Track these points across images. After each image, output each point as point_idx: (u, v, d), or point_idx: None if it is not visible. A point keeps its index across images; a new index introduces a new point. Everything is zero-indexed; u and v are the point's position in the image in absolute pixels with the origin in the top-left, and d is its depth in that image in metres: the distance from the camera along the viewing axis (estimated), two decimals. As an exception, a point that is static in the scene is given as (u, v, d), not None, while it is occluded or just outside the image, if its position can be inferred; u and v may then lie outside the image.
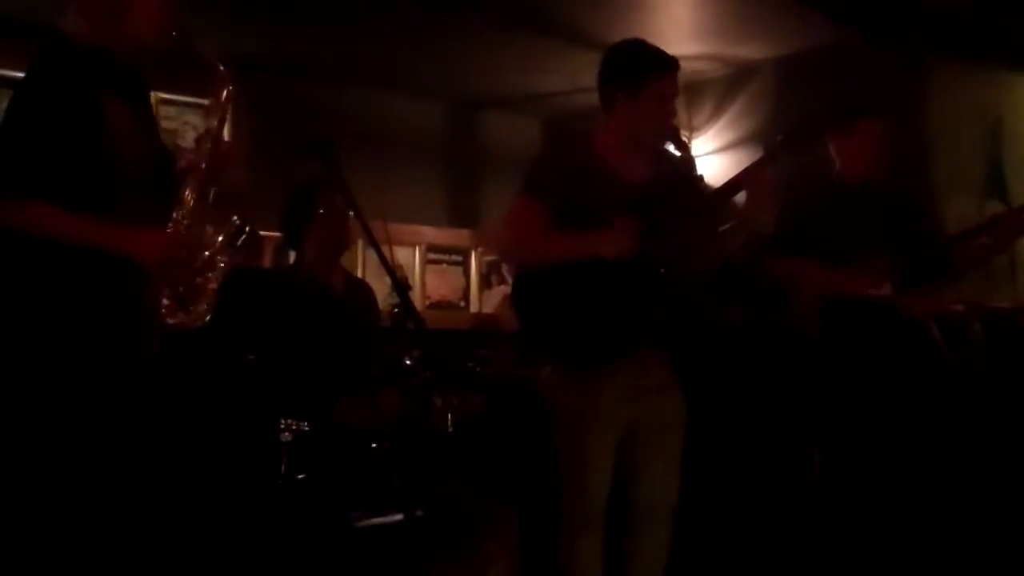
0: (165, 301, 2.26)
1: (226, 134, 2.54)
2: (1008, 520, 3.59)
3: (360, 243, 5.14)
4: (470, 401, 3.55)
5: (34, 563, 2.15)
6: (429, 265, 6.59)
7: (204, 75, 2.40)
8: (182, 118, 5.25)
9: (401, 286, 2.69)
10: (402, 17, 5.12)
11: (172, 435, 2.38)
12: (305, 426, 2.85)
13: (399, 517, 2.64)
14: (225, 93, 2.41)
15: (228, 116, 2.47)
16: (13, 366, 2.15)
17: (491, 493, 3.10)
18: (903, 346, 3.33)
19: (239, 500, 2.96)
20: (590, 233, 2.71)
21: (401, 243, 6.22)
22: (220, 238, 2.36)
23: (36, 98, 2.19)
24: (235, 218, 2.38)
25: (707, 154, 5.89)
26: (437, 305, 6.59)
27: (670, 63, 2.80)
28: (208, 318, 2.31)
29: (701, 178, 2.98)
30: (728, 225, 2.86)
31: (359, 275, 4.51)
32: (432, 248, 6.61)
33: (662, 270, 2.73)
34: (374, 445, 2.96)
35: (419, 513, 2.60)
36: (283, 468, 2.82)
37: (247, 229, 2.39)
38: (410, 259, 6.47)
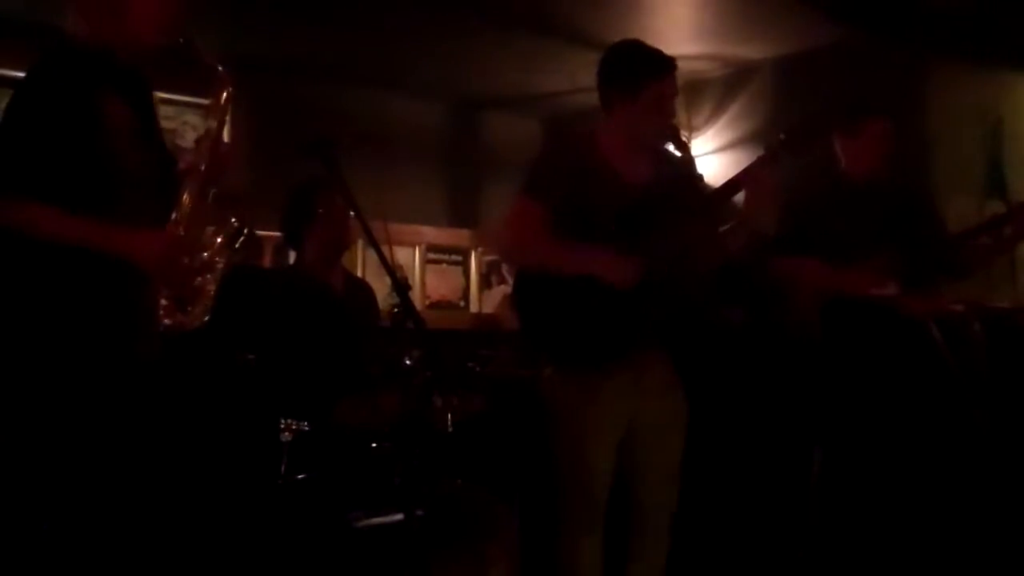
0: (163, 302, 2.26)
1: (226, 135, 2.53)
2: (1008, 520, 3.59)
3: (360, 243, 5.15)
4: (470, 401, 3.55)
5: (34, 564, 2.15)
6: (429, 265, 6.59)
7: (204, 76, 2.40)
8: (182, 118, 5.25)
9: (401, 286, 2.69)
10: (402, 17, 5.13)
11: (172, 435, 2.37)
12: (305, 426, 2.85)
13: (399, 517, 2.64)
14: (225, 95, 2.41)
15: (228, 117, 2.47)
16: (12, 367, 2.15)
17: (491, 493, 3.10)
18: (903, 346, 3.33)
19: (239, 500, 2.96)
20: (592, 253, 2.71)
21: (401, 243, 6.22)
22: (219, 239, 2.36)
23: (35, 98, 2.19)
24: (233, 220, 2.37)
25: (707, 154, 5.90)
26: (437, 305, 6.59)
27: (668, 64, 2.80)
28: (206, 319, 2.31)
29: (702, 178, 2.98)
30: (728, 225, 2.86)
31: (359, 275, 4.51)
32: (432, 248, 6.61)
33: (662, 270, 2.73)
34: (374, 445, 2.96)
35: (419, 513, 2.60)
36: (283, 468, 2.82)
37: (245, 231, 2.39)
38: (410, 259, 6.47)
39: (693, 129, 6.02)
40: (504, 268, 6.57)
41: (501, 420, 3.86)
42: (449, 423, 3.14)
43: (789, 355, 3.91)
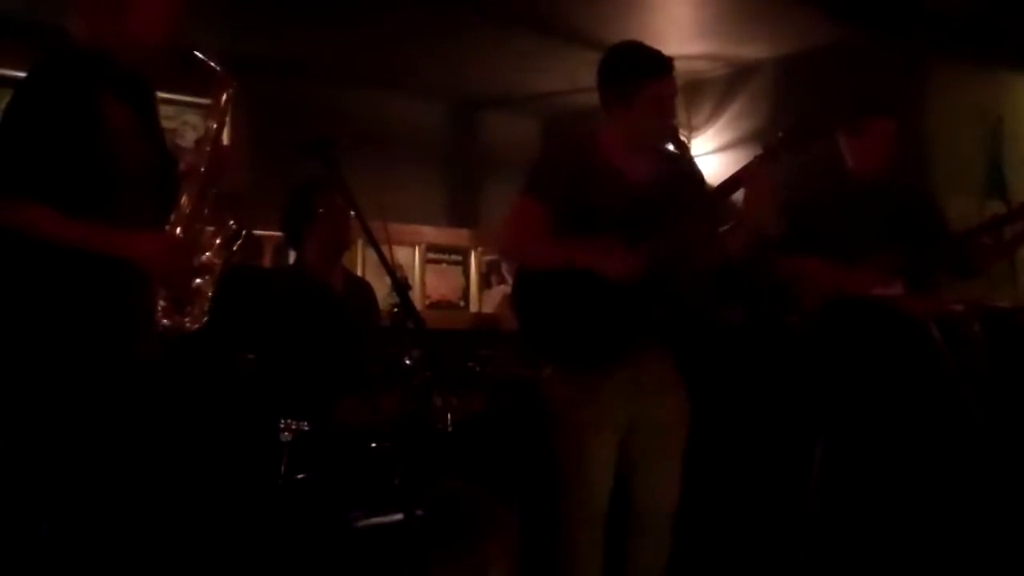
0: (161, 303, 2.26)
1: (226, 136, 2.53)
2: (1008, 520, 3.59)
3: (360, 243, 5.15)
4: (470, 401, 3.55)
5: (34, 565, 2.15)
6: (429, 265, 6.59)
7: (204, 76, 2.40)
8: (182, 118, 5.25)
9: (401, 286, 2.69)
10: (402, 17, 5.13)
11: (172, 435, 2.38)
12: (305, 426, 2.85)
13: (399, 517, 2.64)
14: (225, 96, 2.41)
15: (227, 118, 2.47)
16: (11, 368, 2.15)
17: (491, 493, 3.10)
18: (903, 346, 3.33)
19: (239, 500, 2.96)
20: (593, 249, 2.70)
21: (401, 243, 6.22)
22: (217, 240, 2.36)
23: (34, 99, 2.19)
24: (232, 222, 2.37)
25: (707, 154, 5.90)
26: (437, 305, 6.59)
27: (664, 65, 2.79)
28: (204, 320, 2.31)
29: (703, 178, 2.98)
30: (728, 225, 2.86)
31: (359, 275, 4.51)
32: (432, 248, 6.61)
33: (662, 267, 2.73)
34: (374, 445, 2.96)
35: (419, 513, 2.60)
36: (283, 468, 2.82)
37: (244, 233, 2.39)
38: (410, 259, 6.47)
39: (693, 129, 6.02)
40: (504, 268, 6.57)
41: (501, 420, 3.86)
42: (449, 423, 3.14)
43: (789, 355, 3.91)
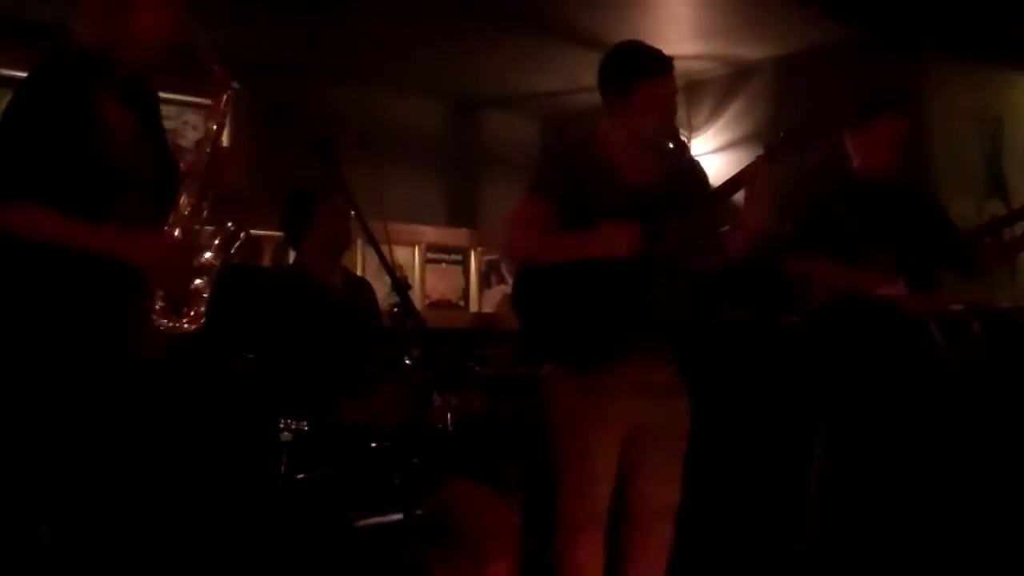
0: (159, 304, 2.26)
1: (225, 137, 2.53)
2: (1008, 520, 3.59)
3: (360, 243, 5.14)
4: (470, 400, 3.55)
5: (34, 565, 2.15)
6: (429, 264, 6.59)
7: (205, 77, 2.40)
8: (182, 118, 5.25)
9: (401, 286, 2.69)
10: (402, 17, 5.13)
11: (171, 435, 2.37)
12: (305, 426, 2.85)
13: (399, 517, 2.64)
14: (225, 97, 2.41)
15: (227, 120, 2.46)
16: (5, 368, 2.15)
17: (491, 493, 3.10)
18: (903, 346, 3.33)
19: (239, 500, 2.96)
20: (591, 233, 2.71)
21: (401, 243, 6.22)
22: (216, 241, 2.36)
23: (32, 100, 2.19)
24: (230, 224, 2.37)
25: (707, 154, 5.90)
26: (437, 305, 6.59)
27: (662, 65, 2.79)
28: (202, 322, 2.31)
29: (707, 178, 2.98)
30: (728, 226, 2.86)
31: (359, 275, 4.51)
32: (431, 247, 6.61)
33: (661, 255, 2.73)
34: (374, 445, 2.96)
35: (419, 513, 2.60)
36: (283, 468, 2.82)
37: (242, 234, 2.39)
38: (410, 259, 6.47)
39: (693, 129, 6.02)
40: (503, 268, 6.57)
41: (501, 420, 3.86)
42: (449, 423, 3.14)
43: (789, 355, 3.91)
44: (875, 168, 3.43)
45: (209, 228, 2.36)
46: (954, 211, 3.75)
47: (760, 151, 2.87)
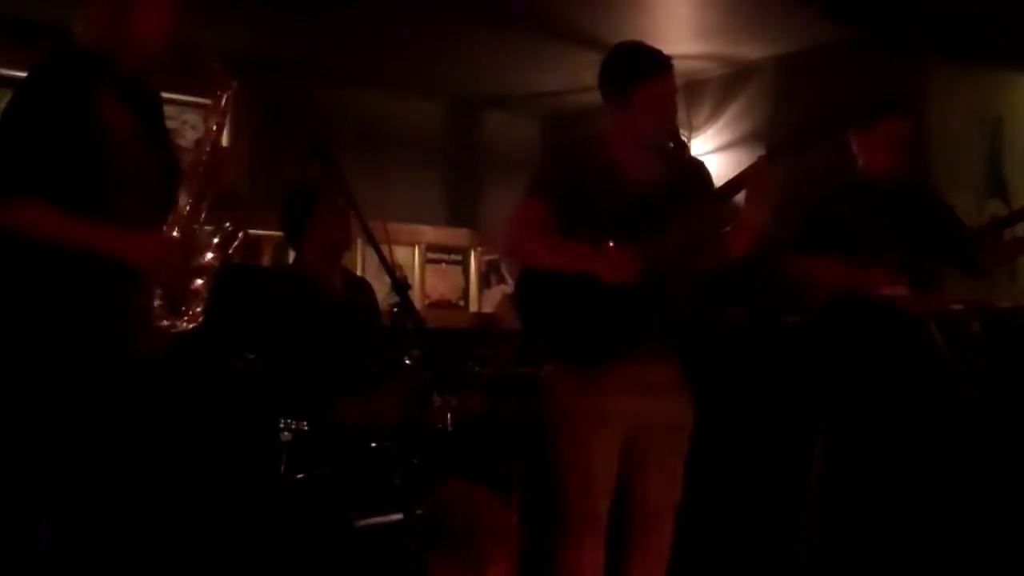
0: (158, 303, 2.26)
1: (225, 137, 2.53)
2: (1008, 520, 3.59)
3: (360, 243, 5.14)
4: (470, 400, 3.55)
5: (34, 565, 2.15)
6: (428, 264, 6.59)
7: (205, 77, 2.40)
8: (182, 118, 5.24)
9: (400, 286, 2.69)
10: (402, 17, 5.13)
11: (171, 435, 2.37)
12: (305, 426, 2.85)
13: (399, 517, 2.63)
14: (225, 97, 2.41)
15: (227, 120, 2.46)
16: (3, 368, 2.15)
17: (491, 493, 3.10)
18: (903, 346, 3.33)
19: (239, 500, 2.96)
20: (592, 252, 2.71)
21: (400, 243, 6.22)
22: (215, 240, 2.36)
23: (32, 99, 2.19)
24: (228, 224, 2.37)
25: (707, 154, 5.89)
26: (436, 304, 6.59)
27: (660, 65, 2.79)
28: (200, 321, 2.31)
29: (711, 179, 2.98)
30: (729, 227, 2.86)
31: (359, 275, 4.51)
32: (431, 247, 6.61)
33: (659, 269, 2.73)
34: (374, 445, 2.96)
35: (419, 513, 2.60)
36: (283, 468, 2.82)
37: (240, 234, 2.39)
38: (409, 259, 6.47)
39: (693, 129, 6.02)
40: (503, 268, 6.58)
41: (501, 420, 3.87)
42: (449, 423, 3.14)
43: (789, 355, 3.91)
44: (880, 168, 3.43)
45: (208, 228, 2.37)
46: (954, 211, 3.75)
47: (760, 151, 2.87)
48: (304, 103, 5.83)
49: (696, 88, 5.98)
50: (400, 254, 6.24)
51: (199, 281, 2.32)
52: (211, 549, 2.85)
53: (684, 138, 2.97)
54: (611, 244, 2.70)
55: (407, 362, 2.84)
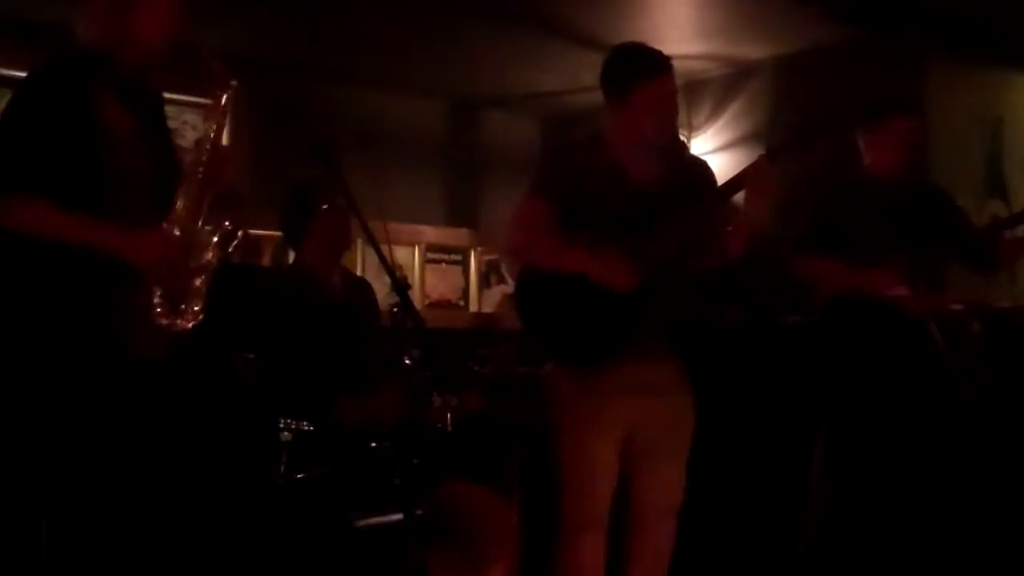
0: (158, 301, 2.26)
1: (225, 137, 2.53)
2: (1008, 520, 3.59)
3: (360, 243, 5.14)
4: (470, 400, 3.56)
5: (34, 565, 2.15)
6: (428, 264, 6.59)
7: (205, 77, 2.40)
8: (182, 118, 5.24)
9: (400, 286, 2.69)
10: (402, 17, 5.13)
11: (171, 434, 2.37)
12: (305, 426, 2.85)
13: (399, 517, 2.64)
14: (225, 97, 2.41)
15: (227, 120, 2.46)
16: (3, 366, 2.15)
17: (491, 493, 3.10)
18: (903, 346, 3.33)
19: (239, 500, 2.96)
20: (589, 256, 2.71)
21: (400, 243, 6.21)
22: (215, 239, 2.36)
23: (32, 99, 2.20)
24: (227, 223, 2.37)
25: (707, 154, 5.89)
26: (436, 304, 6.59)
27: (659, 66, 2.79)
28: (200, 319, 2.31)
29: (714, 178, 2.98)
30: (729, 227, 2.86)
31: (359, 275, 4.51)
32: (431, 247, 6.61)
33: (659, 270, 2.73)
34: (374, 445, 2.96)
35: (419, 513, 2.60)
36: (283, 468, 2.82)
37: (239, 234, 2.39)
38: (409, 259, 6.46)
39: (693, 129, 6.02)
40: (503, 268, 6.57)
41: (501, 420, 3.87)
42: (449, 423, 3.14)
43: (789, 355, 3.91)
44: (885, 168, 3.42)
45: (208, 227, 2.37)
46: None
47: (760, 151, 2.87)
48: (304, 103, 5.83)
49: (696, 88, 5.98)
50: (400, 254, 6.24)
51: (199, 280, 2.32)
52: (211, 549, 2.85)
53: (684, 138, 2.97)
54: (611, 248, 2.70)
55: (407, 362, 2.84)
